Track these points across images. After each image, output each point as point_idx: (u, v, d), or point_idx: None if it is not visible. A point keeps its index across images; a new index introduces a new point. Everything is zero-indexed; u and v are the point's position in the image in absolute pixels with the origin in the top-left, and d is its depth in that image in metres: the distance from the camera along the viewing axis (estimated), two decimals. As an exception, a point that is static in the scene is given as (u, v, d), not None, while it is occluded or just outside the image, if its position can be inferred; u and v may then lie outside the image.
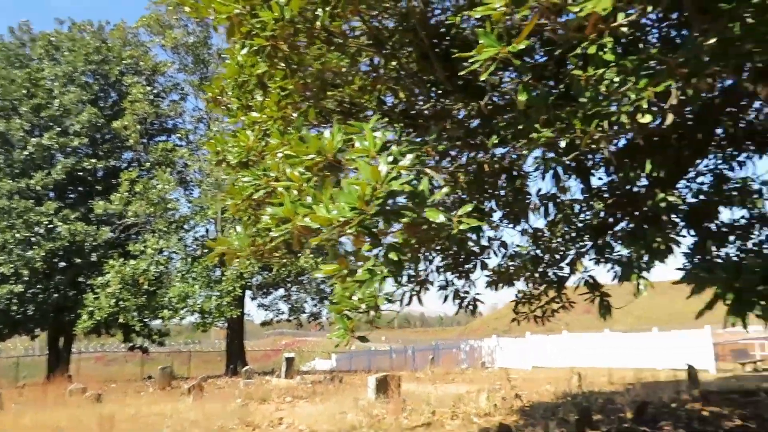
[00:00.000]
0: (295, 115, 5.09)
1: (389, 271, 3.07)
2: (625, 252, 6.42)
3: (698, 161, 6.94)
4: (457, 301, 8.00)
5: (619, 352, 20.49)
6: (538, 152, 5.68)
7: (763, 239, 6.43)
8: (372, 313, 3.67)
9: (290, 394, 13.99)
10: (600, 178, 7.03)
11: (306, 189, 3.59)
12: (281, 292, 27.56)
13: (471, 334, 57.04)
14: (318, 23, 4.34)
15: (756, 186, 6.34)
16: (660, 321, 22.66)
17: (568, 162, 6.77)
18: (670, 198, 5.43)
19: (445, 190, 3.22)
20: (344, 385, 16.32)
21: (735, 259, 5.37)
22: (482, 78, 2.79)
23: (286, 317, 27.63)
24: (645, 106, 3.93)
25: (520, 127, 3.77)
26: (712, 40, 3.06)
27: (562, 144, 4.21)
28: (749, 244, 6.35)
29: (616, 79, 3.86)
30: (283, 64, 4.86)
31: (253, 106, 5.59)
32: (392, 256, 2.99)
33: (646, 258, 6.26)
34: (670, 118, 4.58)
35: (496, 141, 4.05)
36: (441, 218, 2.94)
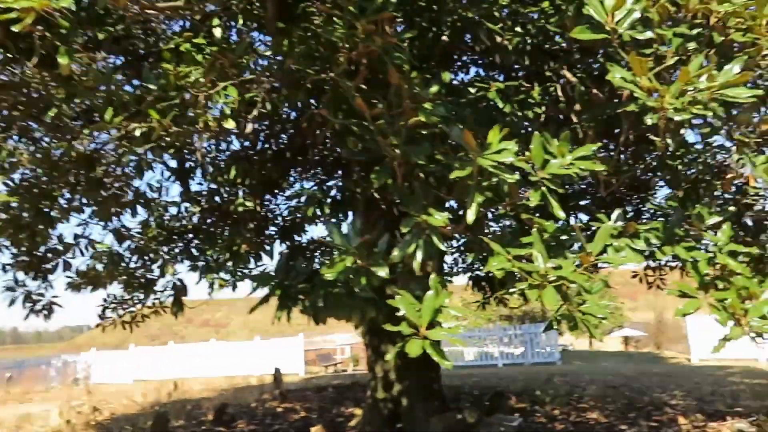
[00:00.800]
0: None
1: None
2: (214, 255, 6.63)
3: (290, 177, 7.68)
4: (29, 305, 7.03)
5: (225, 361, 21.06)
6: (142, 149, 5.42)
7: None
8: None
9: None
10: (200, 183, 7.13)
11: None
12: None
13: (75, 350, 51.15)
14: None
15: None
16: (271, 332, 24.18)
17: (169, 164, 6.67)
18: (248, 203, 5.80)
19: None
20: None
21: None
22: (15, 29, 2.44)
23: None
24: (228, 112, 4.12)
25: (78, 101, 3.47)
26: (268, 53, 3.36)
27: (138, 133, 4.06)
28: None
29: (202, 80, 3.95)
30: None
31: None
32: None
33: (231, 261, 6.58)
34: (249, 127, 4.90)
35: (53, 115, 3.64)
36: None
